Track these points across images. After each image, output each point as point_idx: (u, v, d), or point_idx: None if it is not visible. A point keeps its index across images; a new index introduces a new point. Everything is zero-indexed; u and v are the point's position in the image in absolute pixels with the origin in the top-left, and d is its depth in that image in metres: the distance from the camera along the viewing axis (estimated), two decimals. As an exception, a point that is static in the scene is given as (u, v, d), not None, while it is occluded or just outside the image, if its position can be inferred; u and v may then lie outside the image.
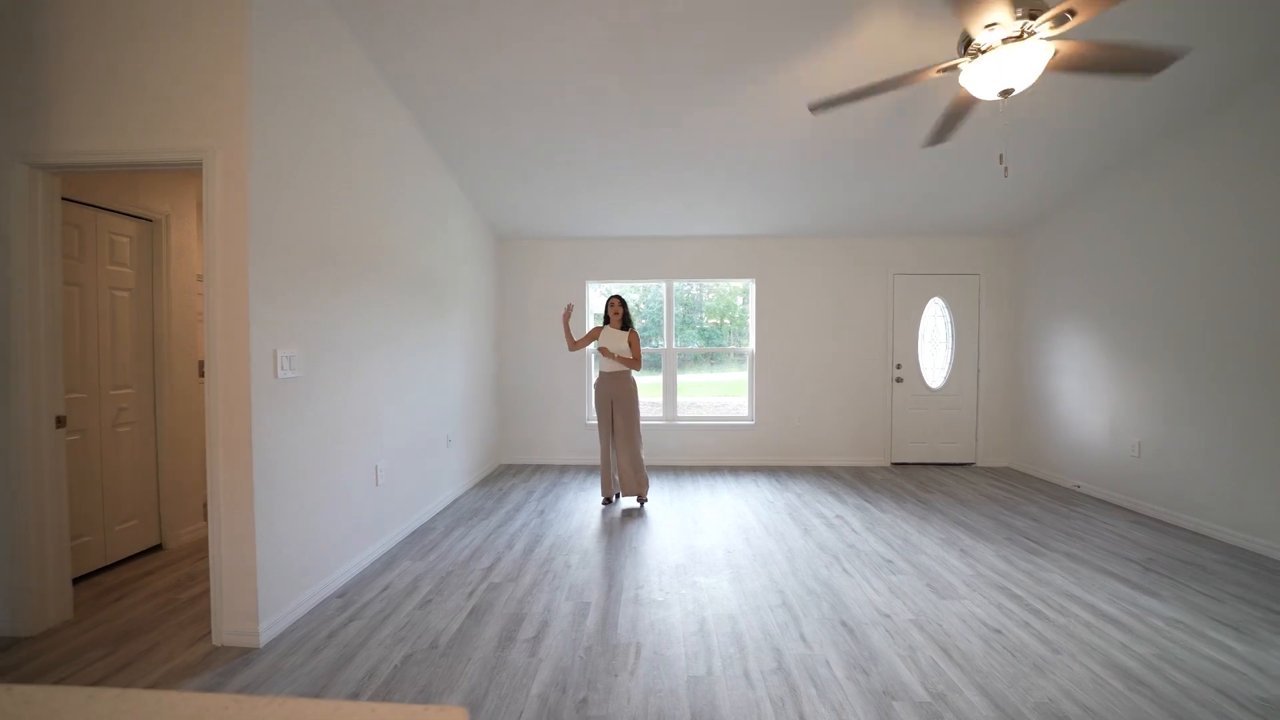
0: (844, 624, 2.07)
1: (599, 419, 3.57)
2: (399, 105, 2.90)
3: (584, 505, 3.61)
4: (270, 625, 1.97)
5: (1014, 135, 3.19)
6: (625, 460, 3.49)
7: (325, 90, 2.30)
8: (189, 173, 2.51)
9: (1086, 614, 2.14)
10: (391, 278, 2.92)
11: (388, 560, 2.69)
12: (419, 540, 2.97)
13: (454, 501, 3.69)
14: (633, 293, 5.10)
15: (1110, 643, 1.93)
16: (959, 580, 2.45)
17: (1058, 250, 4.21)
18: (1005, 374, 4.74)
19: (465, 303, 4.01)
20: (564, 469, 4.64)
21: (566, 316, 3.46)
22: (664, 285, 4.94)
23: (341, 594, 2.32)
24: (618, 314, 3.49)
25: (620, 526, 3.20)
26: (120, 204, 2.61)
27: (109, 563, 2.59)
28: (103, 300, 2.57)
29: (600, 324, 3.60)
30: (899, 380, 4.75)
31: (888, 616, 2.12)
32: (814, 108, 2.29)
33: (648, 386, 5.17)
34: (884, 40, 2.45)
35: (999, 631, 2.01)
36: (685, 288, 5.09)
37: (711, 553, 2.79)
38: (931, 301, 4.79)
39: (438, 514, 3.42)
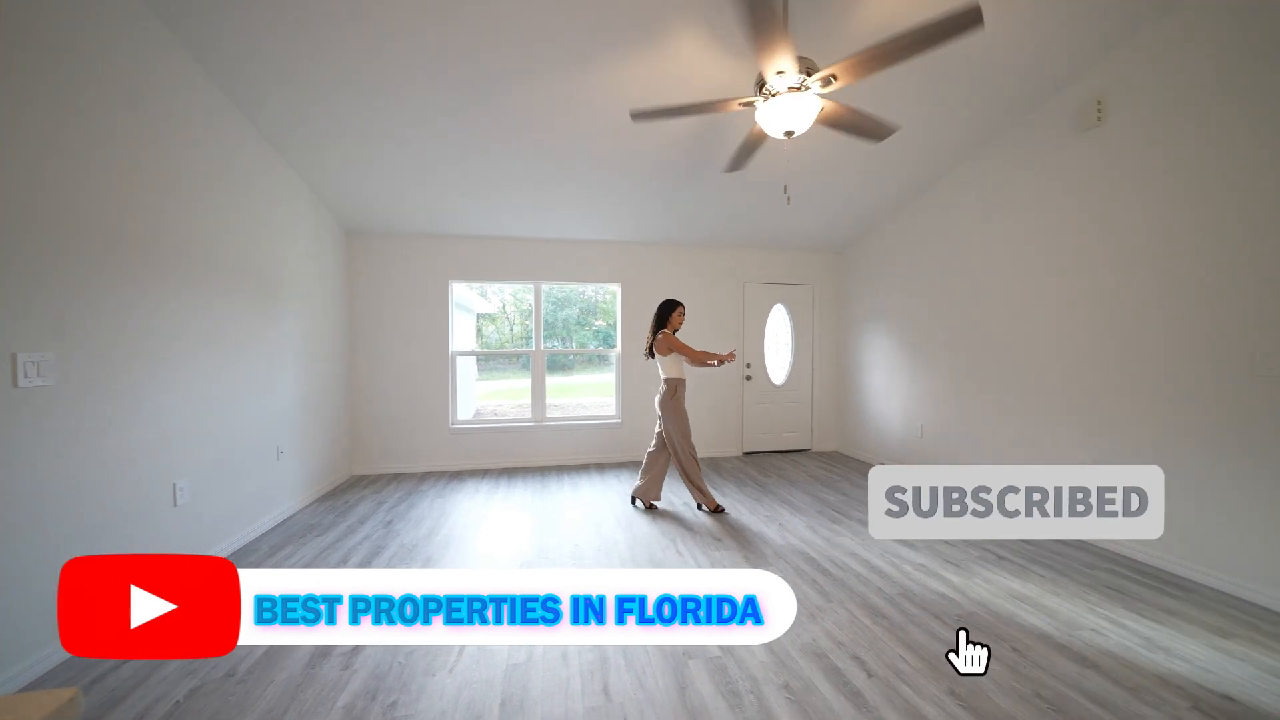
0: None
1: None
2: (207, 80, 2.58)
3: (437, 511, 3.51)
4: (11, 679, 1.67)
5: (834, 164, 3.73)
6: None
7: (99, 54, 2.00)
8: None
9: (860, 568, 2.60)
10: (202, 272, 2.60)
11: (189, 589, 2.39)
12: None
13: (287, 519, 3.37)
14: (500, 293, 5.03)
15: (870, 588, 2.38)
16: (770, 551, 2.82)
17: (870, 265, 5.00)
18: (834, 371, 5.50)
19: (304, 301, 3.68)
20: (424, 477, 4.45)
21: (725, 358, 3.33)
22: (533, 287, 4.95)
23: (118, 633, 2.02)
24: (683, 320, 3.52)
25: (475, 531, 3.17)
26: None
27: None
28: None
29: (654, 332, 3.47)
30: (748, 378, 5.28)
31: (705, 588, 2.38)
32: (635, 116, 2.47)
33: (518, 390, 5.13)
34: (699, 69, 2.74)
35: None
36: (581, 290, 5.13)
37: (559, 548, 2.89)
38: (775, 308, 5.40)
39: (264, 534, 3.09)
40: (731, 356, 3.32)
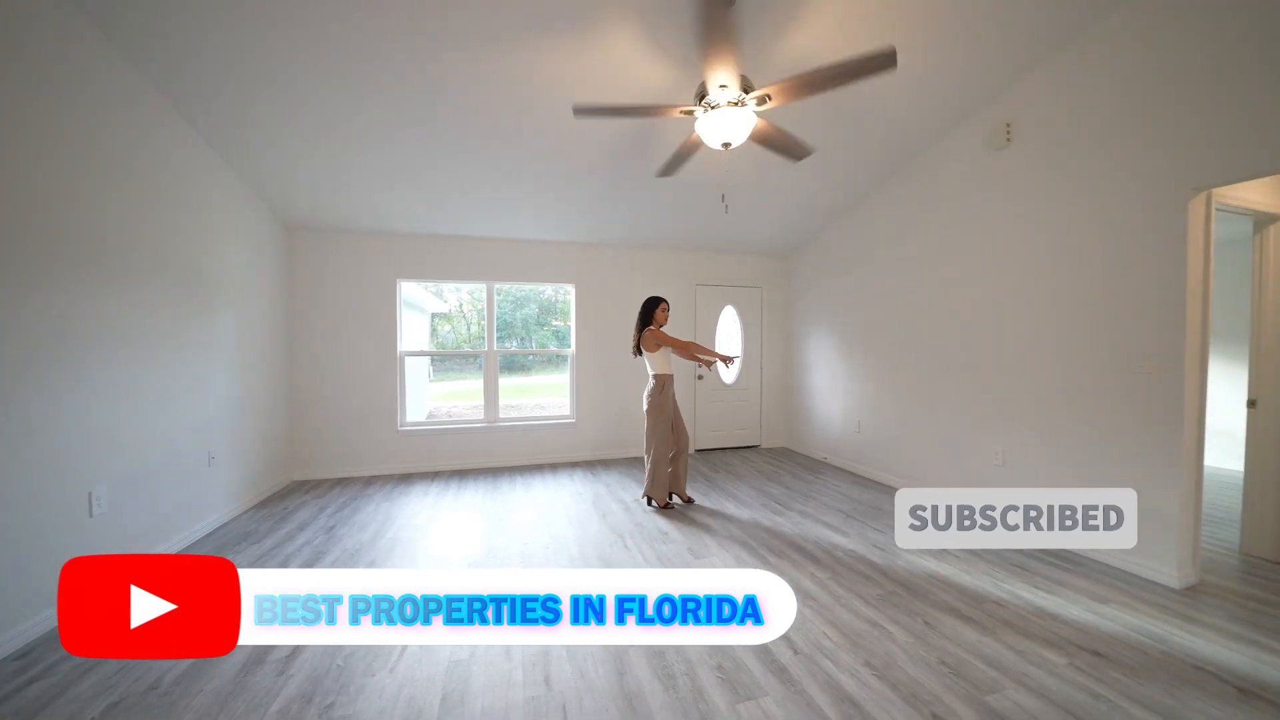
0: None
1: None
2: (123, 60, 2.44)
3: (383, 515, 3.44)
4: (-107, 707, 1.55)
5: (777, 175, 3.91)
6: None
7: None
8: None
9: (796, 555, 2.76)
10: (119, 266, 2.45)
11: (108, 604, 2.26)
12: (160, 576, 2.54)
13: (220, 527, 3.22)
14: (457, 292, 4.96)
15: (803, 573, 2.53)
16: (714, 542, 2.95)
17: (812, 270, 5.25)
18: (781, 371, 5.74)
19: (239, 298, 3.52)
20: (370, 480, 4.33)
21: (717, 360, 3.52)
22: (485, 287, 4.91)
23: (24, 654, 1.90)
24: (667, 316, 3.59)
25: (423, 533, 3.14)
26: None
27: None
28: None
29: (640, 329, 3.54)
30: (700, 378, 5.43)
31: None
32: (577, 111, 2.49)
33: (476, 391, 5.07)
34: (641, 77, 2.82)
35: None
36: (541, 290, 5.10)
37: (508, 548, 2.91)
38: (725, 309, 5.57)
39: (194, 543, 2.95)
40: (729, 360, 3.50)
